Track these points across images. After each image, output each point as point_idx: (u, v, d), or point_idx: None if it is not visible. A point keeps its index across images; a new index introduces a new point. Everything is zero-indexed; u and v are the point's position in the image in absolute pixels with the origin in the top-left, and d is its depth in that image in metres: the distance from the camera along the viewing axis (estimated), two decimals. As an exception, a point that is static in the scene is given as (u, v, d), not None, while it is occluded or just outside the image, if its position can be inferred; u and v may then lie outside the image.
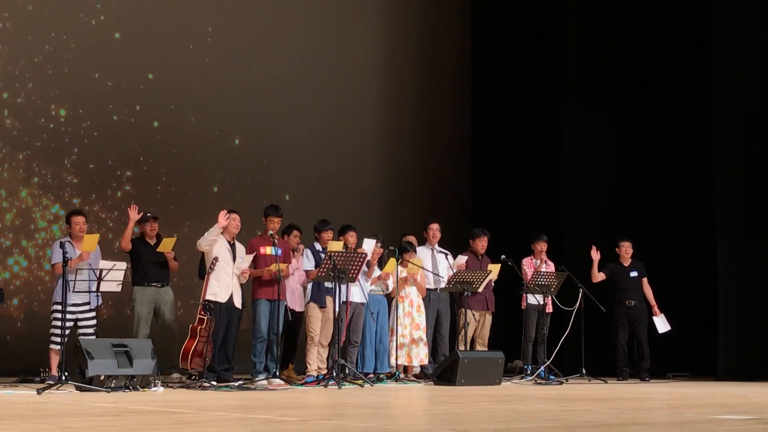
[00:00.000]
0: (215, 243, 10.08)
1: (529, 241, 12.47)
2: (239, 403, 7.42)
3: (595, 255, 12.29)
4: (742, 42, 12.78)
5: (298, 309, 10.88)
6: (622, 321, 12.36)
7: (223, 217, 10.09)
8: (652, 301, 12.42)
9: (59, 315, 9.72)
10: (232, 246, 10.24)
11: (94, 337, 9.88)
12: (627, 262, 12.52)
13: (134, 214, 10.63)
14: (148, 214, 10.98)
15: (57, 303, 9.85)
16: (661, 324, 12.33)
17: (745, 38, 12.75)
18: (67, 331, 9.78)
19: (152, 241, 10.89)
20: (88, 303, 10.04)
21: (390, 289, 11.28)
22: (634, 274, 12.46)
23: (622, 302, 12.39)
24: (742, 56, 12.77)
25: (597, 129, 14.36)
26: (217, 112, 13.59)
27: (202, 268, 10.79)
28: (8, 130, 12.21)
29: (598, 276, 12.37)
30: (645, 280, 12.48)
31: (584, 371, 11.83)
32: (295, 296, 10.89)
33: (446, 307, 11.80)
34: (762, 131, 12.54)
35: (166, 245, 10.72)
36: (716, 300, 12.62)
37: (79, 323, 10.06)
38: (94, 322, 10.13)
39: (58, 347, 9.64)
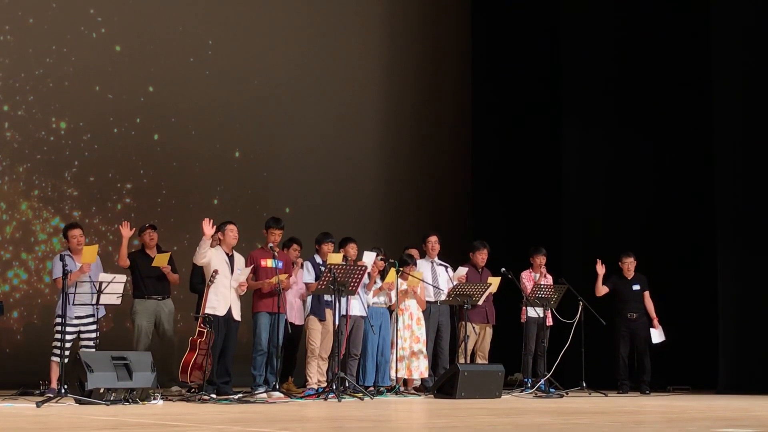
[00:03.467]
0: (212, 255, 10.04)
1: (528, 254, 12.48)
2: (239, 416, 7.40)
3: (600, 269, 12.30)
4: (742, 53, 12.79)
5: (296, 322, 10.87)
6: (623, 334, 12.40)
7: (206, 225, 9.86)
8: (653, 314, 12.44)
9: (60, 328, 9.73)
10: (231, 258, 10.22)
11: (94, 349, 9.87)
12: (630, 276, 12.53)
13: (126, 232, 10.66)
14: (146, 225, 11.03)
15: (59, 316, 9.86)
16: (657, 335, 12.38)
17: (745, 49, 12.77)
18: (70, 344, 9.81)
19: (152, 252, 10.91)
20: (92, 315, 10.03)
21: (393, 301, 11.27)
22: (636, 287, 12.48)
23: (624, 315, 12.42)
24: (741, 67, 12.79)
25: (597, 141, 14.38)
26: (217, 125, 13.60)
27: (193, 282, 10.83)
28: (8, 142, 12.22)
29: (602, 290, 12.40)
30: (647, 293, 12.50)
31: (584, 384, 11.82)
32: (293, 310, 10.87)
33: (446, 320, 11.78)
34: (762, 143, 12.54)
35: (160, 260, 10.75)
36: (716, 313, 12.61)
37: (82, 335, 10.06)
38: (96, 334, 10.11)
39: (59, 359, 9.64)
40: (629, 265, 12.55)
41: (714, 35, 13.01)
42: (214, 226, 9.98)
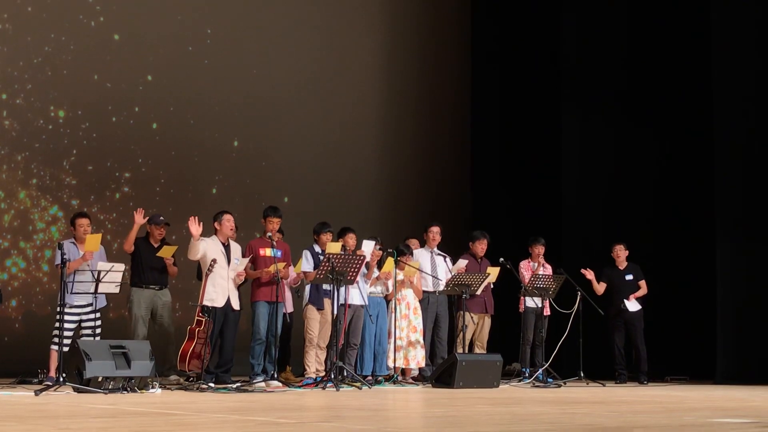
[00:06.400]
0: (208, 246, 10.01)
1: (527, 244, 12.48)
2: (237, 405, 7.41)
3: (588, 274, 12.32)
4: (742, 47, 12.79)
5: (287, 311, 10.88)
6: (617, 324, 12.40)
7: (193, 225, 9.80)
8: (637, 294, 12.39)
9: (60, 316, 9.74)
10: (227, 247, 10.19)
11: (98, 338, 9.87)
12: (622, 266, 12.55)
13: (140, 218, 10.59)
14: (161, 218, 10.95)
15: (60, 305, 9.86)
16: (632, 305, 12.33)
17: (746, 44, 12.77)
18: (72, 333, 9.81)
19: (156, 245, 10.88)
20: (92, 304, 10.02)
21: (390, 290, 11.27)
22: (629, 277, 12.50)
23: (617, 305, 12.42)
24: (742, 60, 12.79)
25: (596, 133, 14.39)
26: (216, 114, 13.59)
27: (200, 270, 10.77)
28: (7, 131, 12.20)
29: (600, 287, 12.40)
30: (643, 282, 12.51)
31: (582, 374, 11.84)
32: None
33: (445, 310, 11.79)
34: (762, 135, 12.54)
35: (167, 252, 10.71)
36: (715, 303, 12.62)
37: (83, 324, 10.06)
38: (98, 323, 10.10)
39: (57, 348, 9.65)
40: (619, 252, 12.56)
41: (715, 23, 12.99)
42: (201, 223, 9.91)
